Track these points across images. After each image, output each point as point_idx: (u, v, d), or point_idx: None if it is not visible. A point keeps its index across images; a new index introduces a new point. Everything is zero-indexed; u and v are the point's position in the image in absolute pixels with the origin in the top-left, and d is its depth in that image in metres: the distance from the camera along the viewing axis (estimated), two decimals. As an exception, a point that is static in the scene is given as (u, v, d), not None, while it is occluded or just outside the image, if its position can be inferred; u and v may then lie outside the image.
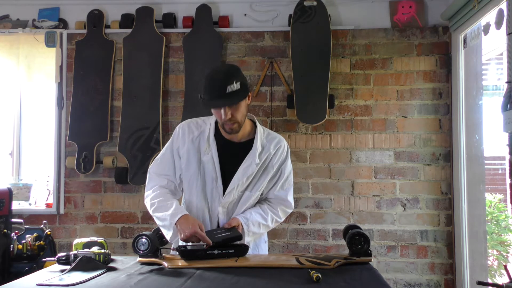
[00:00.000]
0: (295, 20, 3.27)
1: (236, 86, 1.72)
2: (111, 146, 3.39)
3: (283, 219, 1.97)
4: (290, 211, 1.99)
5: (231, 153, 1.87)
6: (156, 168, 1.94)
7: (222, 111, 1.75)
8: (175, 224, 1.73)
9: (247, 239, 1.84)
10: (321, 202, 3.32)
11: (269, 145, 1.90)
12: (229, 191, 1.85)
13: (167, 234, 1.78)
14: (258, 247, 1.99)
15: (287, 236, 3.31)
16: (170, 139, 1.95)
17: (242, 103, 1.78)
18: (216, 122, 1.91)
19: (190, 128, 1.92)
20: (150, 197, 1.87)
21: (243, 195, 1.89)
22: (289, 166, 1.97)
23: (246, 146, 1.88)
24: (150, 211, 1.85)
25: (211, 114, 1.90)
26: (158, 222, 1.82)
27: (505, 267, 1.70)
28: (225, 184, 1.86)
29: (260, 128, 1.92)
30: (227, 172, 1.86)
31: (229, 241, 1.72)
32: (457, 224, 3.16)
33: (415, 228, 3.27)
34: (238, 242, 1.77)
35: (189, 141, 1.89)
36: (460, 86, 3.15)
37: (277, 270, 1.56)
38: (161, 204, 1.81)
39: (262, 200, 1.97)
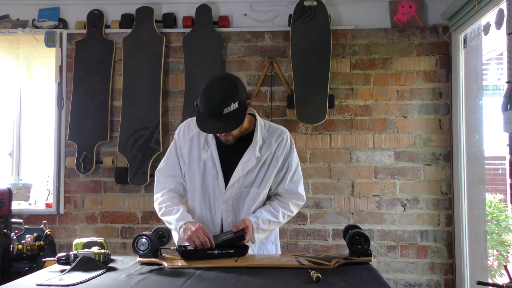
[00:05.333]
0: (295, 20, 3.27)
1: (234, 106, 1.64)
2: (111, 146, 3.39)
3: (295, 212, 1.94)
4: (303, 203, 1.95)
5: (231, 149, 1.84)
6: (163, 170, 1.95)
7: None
8: (179, 228, 1.76)
9: (257, 236, 1.81)
10: (321, 202, 3.32)
11: (271, 138, 1.87)
12: (230, 187, 1.83)
13: (175, 237, 1.87)
14: (264, 247, 1.94)
15: (287, 236, 3.31)
16: (173, 140, 1.96)
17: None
18: None
19: (189, 127, 1.91)
20: (158, 201, 1.90)
21: (250, 191, 1.85)
22: (295, 157, 1.93)
23: (246, 140, 1.85)
24: (159, 215, 1.88)
25: None
26: (167, 225, 1.86)
27: (505, 267, 1.70)
28: (227, 181, 1.84)
29: (260, 121, 1.89)
30: (228, 168, 1.84)
31: (230, 242, 1.72)
32: (457, 224, 3.16)
33: (415, 228, 3.27)
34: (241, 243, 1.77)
35: (189, 140, 1.89)
36: (460, 86, 3.15)
37: (277, 270, 1.56)
38: (168, 209, 1.84)
39: (272, 197, 1.94)
